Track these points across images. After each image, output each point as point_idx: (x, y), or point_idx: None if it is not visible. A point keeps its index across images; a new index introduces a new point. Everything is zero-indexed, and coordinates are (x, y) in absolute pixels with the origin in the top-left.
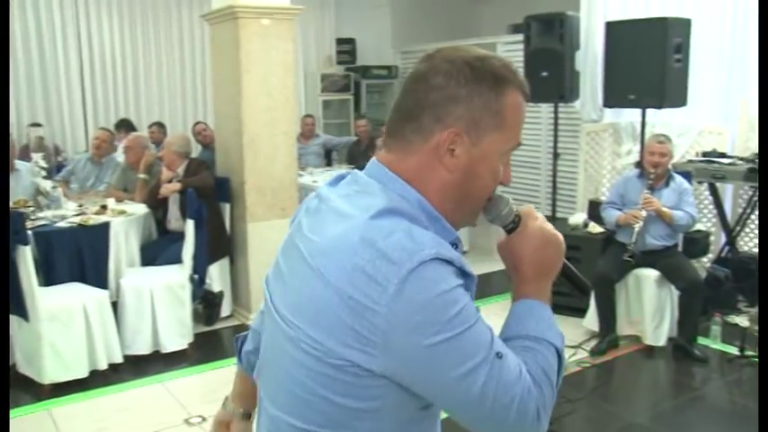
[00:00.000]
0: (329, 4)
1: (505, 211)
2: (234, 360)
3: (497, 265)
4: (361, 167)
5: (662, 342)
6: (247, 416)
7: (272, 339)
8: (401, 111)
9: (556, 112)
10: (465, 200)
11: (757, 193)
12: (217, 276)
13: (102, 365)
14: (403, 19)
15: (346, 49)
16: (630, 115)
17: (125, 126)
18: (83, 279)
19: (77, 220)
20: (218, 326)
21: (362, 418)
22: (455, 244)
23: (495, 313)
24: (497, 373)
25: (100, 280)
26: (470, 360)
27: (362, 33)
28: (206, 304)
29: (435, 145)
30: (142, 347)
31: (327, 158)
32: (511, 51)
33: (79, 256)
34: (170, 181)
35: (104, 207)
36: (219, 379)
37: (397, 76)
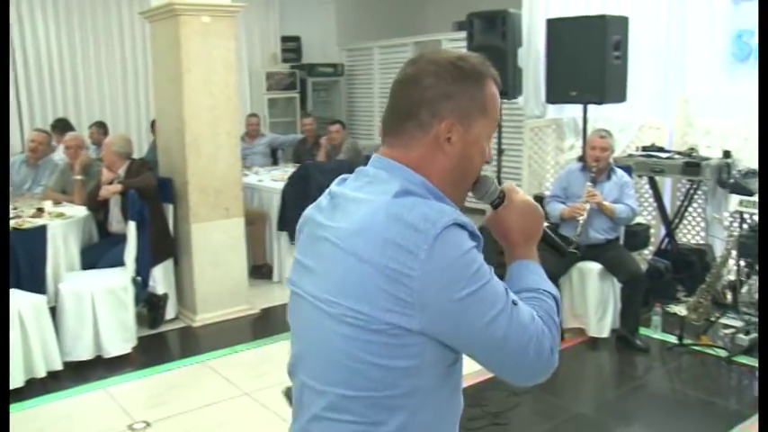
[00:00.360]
0: (273, 2)
1: (492, 189)
2: (180, 363)
3: None
4: (305, 165)
5: (605, 333)
6: None
7: (314, 327)
8: (398, 111)
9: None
10: (461, 181)
11: (694, 187)
12: (161, 278)
13: (41, 373)
14: (348, 16)
15: (291, 47)
16: (573, 111)
17: (62, 126)
18: (18, 285)
19: (12, 223)
20: (162, 329)
21: (406, 377)
22: None
23: None
24: (516, 319)
25: (37, 285)
26: (493, 308)
27: (308, 31)
28: (150, 307)
29: (435, 136)
30: (83, 353)
31: (273, 157)
32: (455, 48)
33: (14, 261)
34: (111, 182)
35: (41, 210)
36: (164, 383)
37: (342, 74)
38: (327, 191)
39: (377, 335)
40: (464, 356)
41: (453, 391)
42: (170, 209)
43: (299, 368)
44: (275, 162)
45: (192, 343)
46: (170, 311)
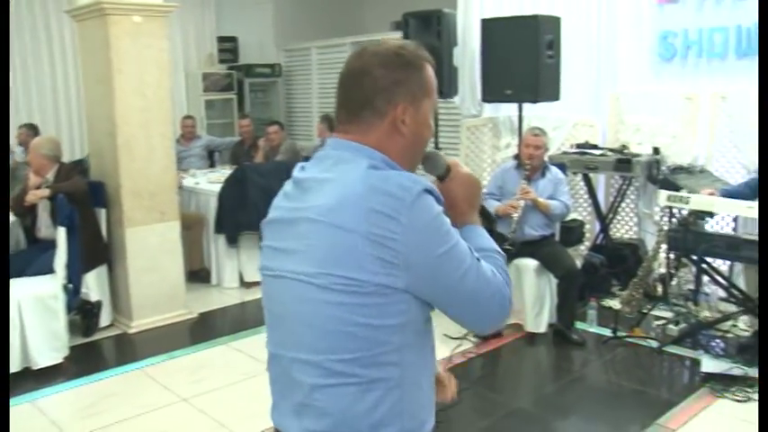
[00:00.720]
0: (209, 2)
1: (440, 163)
2: (116, 371)
3: None
4: (242, 167)
5: (542, 329)
6: None
7: (301, 303)
8: (353, 101)
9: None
10: (414, 156)
11: (626, 183)
12: (94, 285)
13: None
14: (285, 17)
15: (228, 47)
16: (508, 110)
17: None
18: None
19: None
20: (97, 336)
21: (394, 333)
22: None
23: None
24: (482, 274)
25: None
26: (463, 263)
27: (244, 31)
28: (83, 315)
29: (391, 120)
30: (10, 365)
31: (210, 160)
32: None
33: None
34: (39, 187)
35: None
36: (99, 392)
37: (281, 75)
38: (290, 180)
39: (368, 297)
40: None
41: (432, 349)
42: (103, 213)
43: (285, 347)
44: (212, 164)
45: (128, 350)
46: (105, 318)
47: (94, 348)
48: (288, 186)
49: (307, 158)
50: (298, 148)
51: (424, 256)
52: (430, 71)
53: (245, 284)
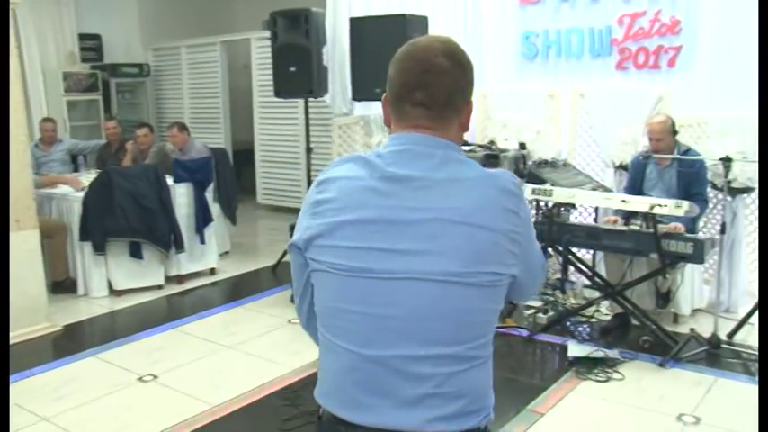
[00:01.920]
0: None
1: None
2: None
3: (259, 264)
4: (108, 171)
5: None
6: None
7: (428, 302)
8: (436, 100)
9: (306, 108)
10: None
11: None
12: None
13: None
14: (152, 14)
15: (91, 45)
16: (379, 108)
17: None
18: None
19: None
20: None
21: (496, 313)
22: None
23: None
24: (540, 250)
25: None
26: (538, 244)
27: (108, 29)
28: None
29: (465, 116)
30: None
31: (74, 164)
32: (265, 47)
33: None
34: None
35: None
36: None
37: (149, 75)
38: (379, 175)
39: (502, 288)
40: None
41: None
42: None
43: (401, 347)
44: (76, 169)
45: None
46: None
47: None
48: (373, 181)
49: (176, 161)
50: (168, 150)
51: (528, 242)
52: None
53: (114, 293)
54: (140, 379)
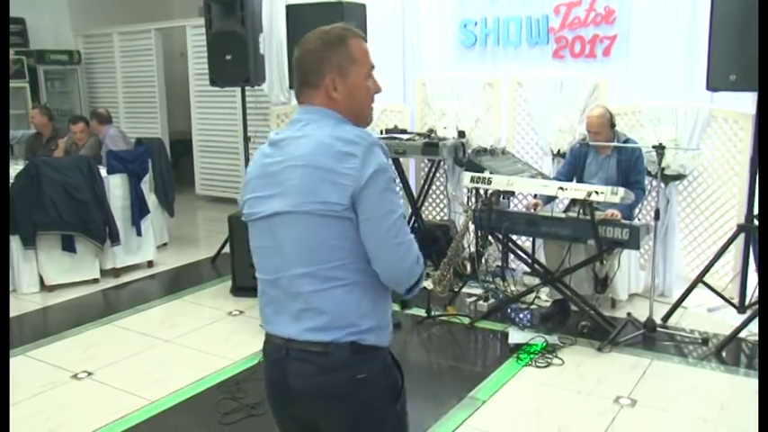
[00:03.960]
0: None
1: None
2: None
3: (198, 256)
4: (35, 162)
5: None
6: None
7: (294, 229)
8: (299, 80)
9: (243, 96)
10: (357, 112)
11: (434, 166)
12: None
13: None
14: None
15: (15, 29)
16: None
17: None
18: None
19: None
20: None
21: (358, 246)
22: None
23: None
24: (403, 224)
25: None
26: (396, 208)
27: (34, 13)
28: None
29: (325, 89)
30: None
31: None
32: (201, 35)
33: None
34: None
35: None
36: None
37: (80, 62)
38: (268, 142)
39: (340, 219)
40: None
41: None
42: None
43: (285, 269)
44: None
45: None
46: None
47: None
48: (265, 148)
49: (112, 153)
50: (101, 140)
51: (372, 190)
52: (355, 44)
53: (46, 288)
54: (75, 376)
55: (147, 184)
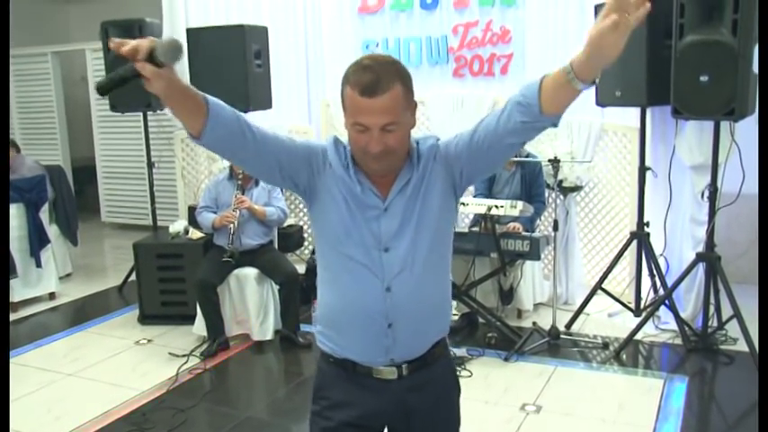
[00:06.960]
0: None
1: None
2: None
3: (105, 285)
4: None
5: (269, 336)
6: None
7: None
8: None
9: (146, 121)
10: (354, 151)
11: None
12: None
13: None
14: None
15: None
16: None
17: None
18: None
19: None
20: None
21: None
22: (346, 164)
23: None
24: None
25: None
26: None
27: None
28: None
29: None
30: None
31: None
32: (101, 59)
33: None
34: None
35: None
36: None
37: None
38: None
39: None
40: None
41: None
42: None
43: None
44: None
45: None
46: None
47: None
48: None
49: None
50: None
51: None
52: (346, 91)
53: None
54: None
55: (46, 213)
